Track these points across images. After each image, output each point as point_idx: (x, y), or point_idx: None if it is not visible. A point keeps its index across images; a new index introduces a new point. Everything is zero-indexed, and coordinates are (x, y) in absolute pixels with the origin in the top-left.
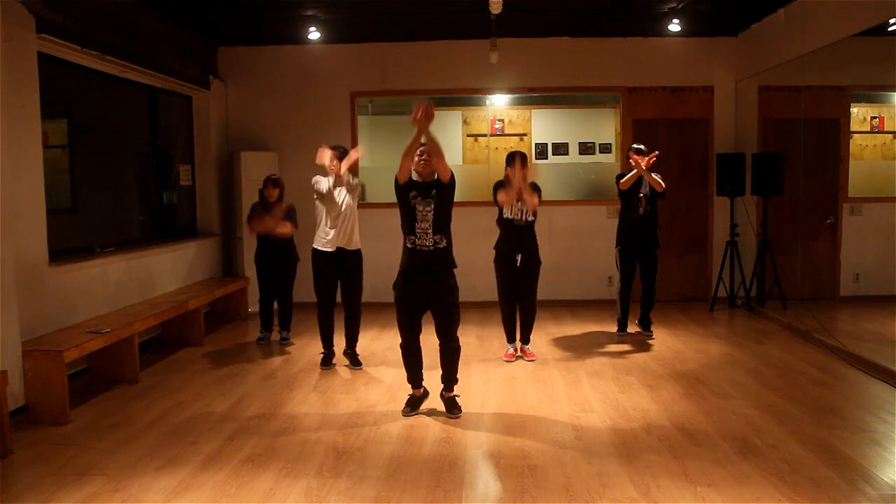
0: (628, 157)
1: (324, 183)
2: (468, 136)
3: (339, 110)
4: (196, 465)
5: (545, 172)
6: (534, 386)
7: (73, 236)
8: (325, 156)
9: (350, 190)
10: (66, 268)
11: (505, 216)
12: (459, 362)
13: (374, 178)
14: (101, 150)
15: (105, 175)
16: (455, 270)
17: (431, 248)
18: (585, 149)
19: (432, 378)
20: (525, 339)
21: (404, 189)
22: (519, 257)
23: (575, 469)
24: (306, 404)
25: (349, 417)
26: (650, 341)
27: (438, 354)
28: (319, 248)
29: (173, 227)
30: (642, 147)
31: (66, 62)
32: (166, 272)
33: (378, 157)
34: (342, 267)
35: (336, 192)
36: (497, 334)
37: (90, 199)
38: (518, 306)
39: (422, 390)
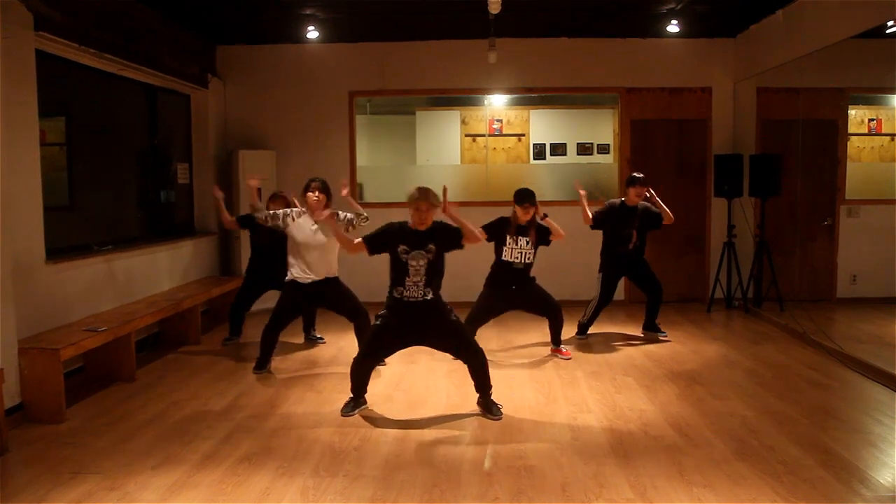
0: (629, 189)
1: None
2: (466, 136)
3: (337, 109)
4: (192, 464)
5: (544, 173)
6: (531, 386)
7: (70, 234)
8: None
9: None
10: (63, 266)
11: (504, 258)
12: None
13: (372, 178)
14: (98, 149)
15: (103, 173)
16: (449, 270)
17: (420, 299)
18: (583, 149)
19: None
20: (556, 342)
21: (386, 248)
22: (514, 287)
23: (572, 469)
24: (303, 403)
25: (346, 417)
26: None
27: (468, 370)
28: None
29: (171, 226)
30: (640, 175)
31: (64, 60)
32: (164, 271)
33: (376, 157)
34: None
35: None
36: (493, 334)
37: (88, 197)
38: (547, 317)
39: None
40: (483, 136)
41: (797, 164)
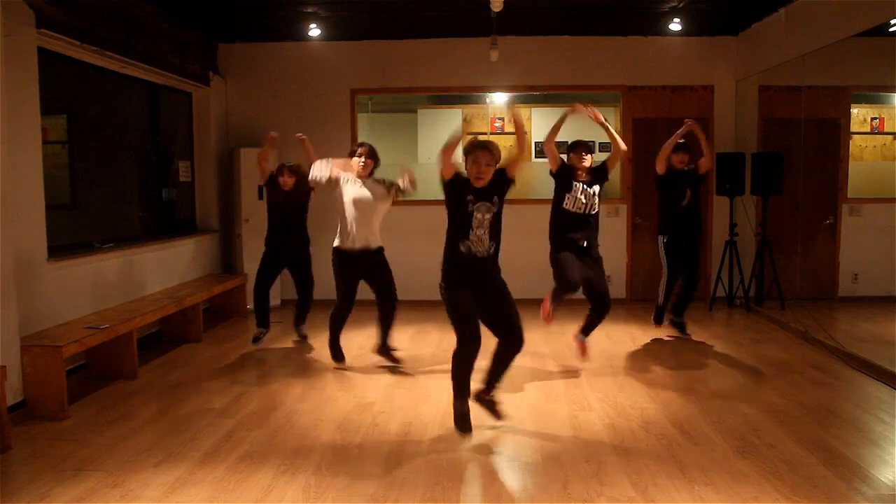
0: (672, 155)
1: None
2: (468, 134)
3: (339, 107)
4: (194, 461)
5: (546, 171)
6: (532, 384)
7: (72, 232)
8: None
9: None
10: (65, 263)
11: (565, 206)
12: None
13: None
14: (100, 146)
15: (104, 171)
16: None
17: (486, 254)
18: None
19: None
20: (588, 331)
21: (457, 189)
22: (584, 243)
23: (573, 467)
24: (305, 401)
25: (348, 414)
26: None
27: (495, 355)
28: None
29: (172, 224)
30: (682, 141)
31: (66, 57)
32: (165, 268)
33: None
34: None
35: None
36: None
37: (89, 195)
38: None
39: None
40: (485, 134)
41: (799, 162)
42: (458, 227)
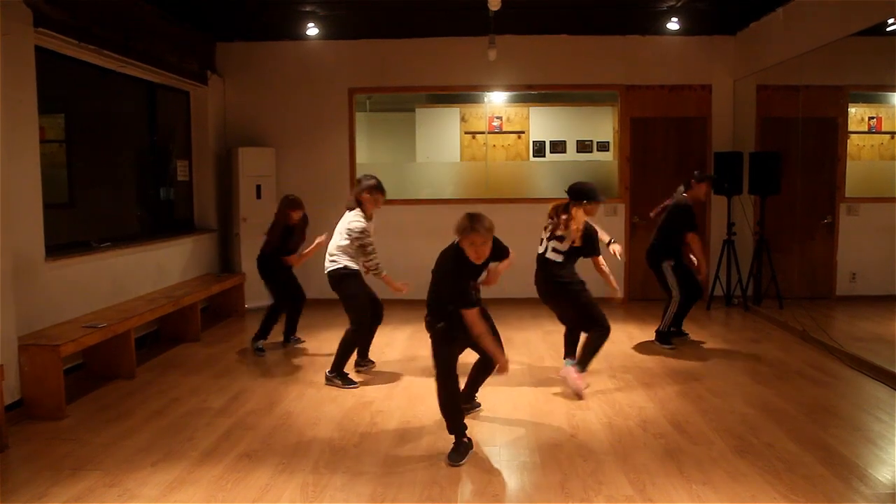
0: (700, 185)
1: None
2: (466, 133)
3: (336, 106)
4: (192, 461)
5: (544, 171)
6: (530, 383)
7: (69, 231)
8: None
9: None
10: (63, 263)
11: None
12: None
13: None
14: (98, 146)
15: (102, 170)
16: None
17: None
18: (583, 147)
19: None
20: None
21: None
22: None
23: (571, 466)
24: (302, 400)
25: (346, 413)
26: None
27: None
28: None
29: (170, 223)
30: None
31: (64, 56)
32: (163, 268)
33: (376, 154)
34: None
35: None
36: None
37: (87, 194)
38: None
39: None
40: (483, 133)
41: (797, 161)
42: (448, 291)
